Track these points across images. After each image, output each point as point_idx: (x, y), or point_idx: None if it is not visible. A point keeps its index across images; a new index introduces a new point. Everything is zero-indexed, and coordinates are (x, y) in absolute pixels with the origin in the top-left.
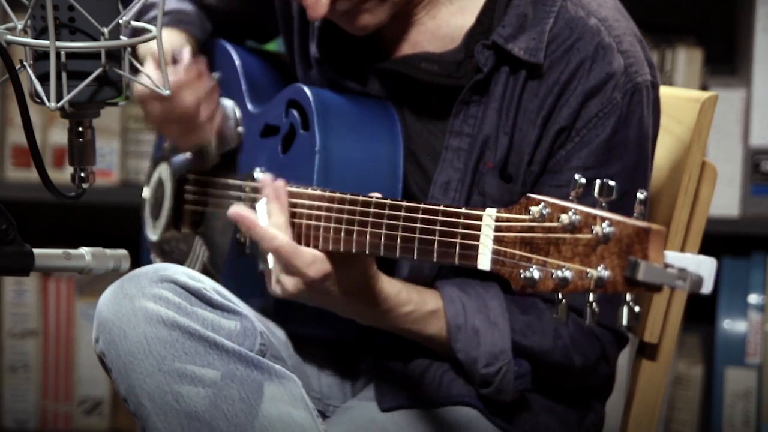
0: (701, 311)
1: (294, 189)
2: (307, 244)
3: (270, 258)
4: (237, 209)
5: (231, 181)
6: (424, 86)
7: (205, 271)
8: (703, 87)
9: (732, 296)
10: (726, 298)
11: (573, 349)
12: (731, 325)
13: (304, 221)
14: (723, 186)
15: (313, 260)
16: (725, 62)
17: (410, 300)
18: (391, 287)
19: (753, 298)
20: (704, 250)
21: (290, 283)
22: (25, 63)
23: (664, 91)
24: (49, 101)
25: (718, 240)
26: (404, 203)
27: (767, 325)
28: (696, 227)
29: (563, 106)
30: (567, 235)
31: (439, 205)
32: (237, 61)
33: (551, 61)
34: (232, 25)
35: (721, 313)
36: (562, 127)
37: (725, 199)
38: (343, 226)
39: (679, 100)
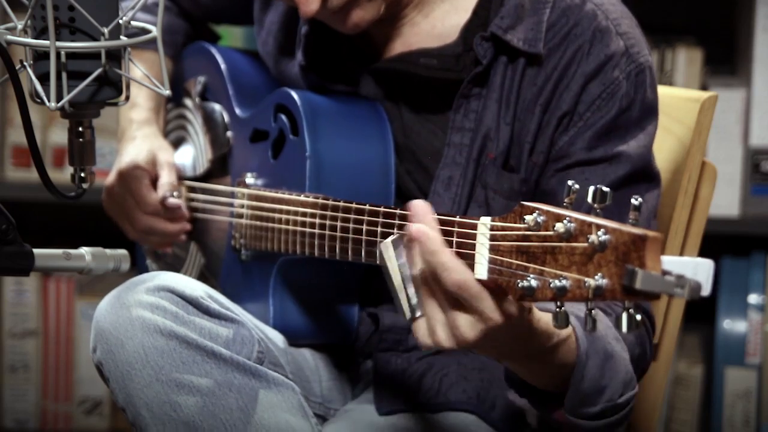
0: (701, 311)
1: (286, 196)
2: (303, 252)
3: (429, 303)
4: (424, 228)
5: (223, 188)
6: (422, 83)
7: (202, 276)
8: (703, 87)
9: (732, 296)
10: (726, 298)
11: (644, 336)
12: (731, 325)
13: (299, 228)
14: (723, 186)
15: (498, 303)
16: (725, 62)
17: (553, 331)
18: (542, 320)
19: (753, 298)
20: (704, 250)
21: (471, 329)
22: (25, 63)
23: (664, 90)
24: (49, 101)
25: (718, 240)
26: (398, 211)
27: (767, 325)
28: (696, 227)
29: (563, 92)
30: (563, 244)
31: (433, 213)
32: (222, 65)
33: (549, 49)
34: (213, 18)
35: (721, 313)
36: (564, 112)
37: (725, 199)
38: (338, 234)
39: (679, 100)
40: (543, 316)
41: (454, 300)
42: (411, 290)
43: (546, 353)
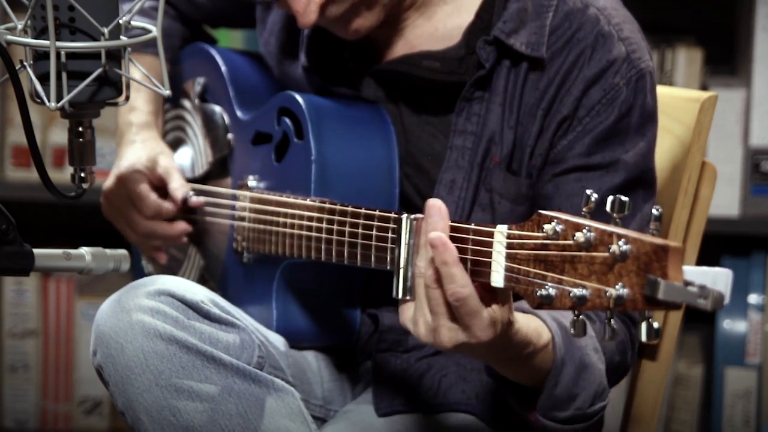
0: (701, 311)
1: (290, 199)
2: (309, 256)
3: (421, 296)
4: (444, 238)
5: (224, 190)
6: (424, 85)
7: (201, 279)
8: (703, 87)
9: (732, 296)
10: None
11: (627, 342)
12: (731, 325)
13: (304, 233)
14: (723, 186)
15: (490, 323)
16: (725, 62)
17: (531, 340)
18: (520, 331)
19: (753, 298)
20: (704, 250)
21: (451, 338)
22: (25, 63)
23: (664, 90)
24: (49, 101)
25: (718, 240)
26: (411, 216)
27: (767, 325)
28: (696, 227)
29: (564, 96)
30: (582, 253)
31: (449, 218)
32: (223, 67)
33: (552, 53)
34: (211, 21)
35: (721, 313)
36: (564, 116)
37: (725, 199)
38: (346, 239)
39: (679, 100)
40: (522, 327)
41: (448, 306)
42: (411, 272)
43: (523, 359)
